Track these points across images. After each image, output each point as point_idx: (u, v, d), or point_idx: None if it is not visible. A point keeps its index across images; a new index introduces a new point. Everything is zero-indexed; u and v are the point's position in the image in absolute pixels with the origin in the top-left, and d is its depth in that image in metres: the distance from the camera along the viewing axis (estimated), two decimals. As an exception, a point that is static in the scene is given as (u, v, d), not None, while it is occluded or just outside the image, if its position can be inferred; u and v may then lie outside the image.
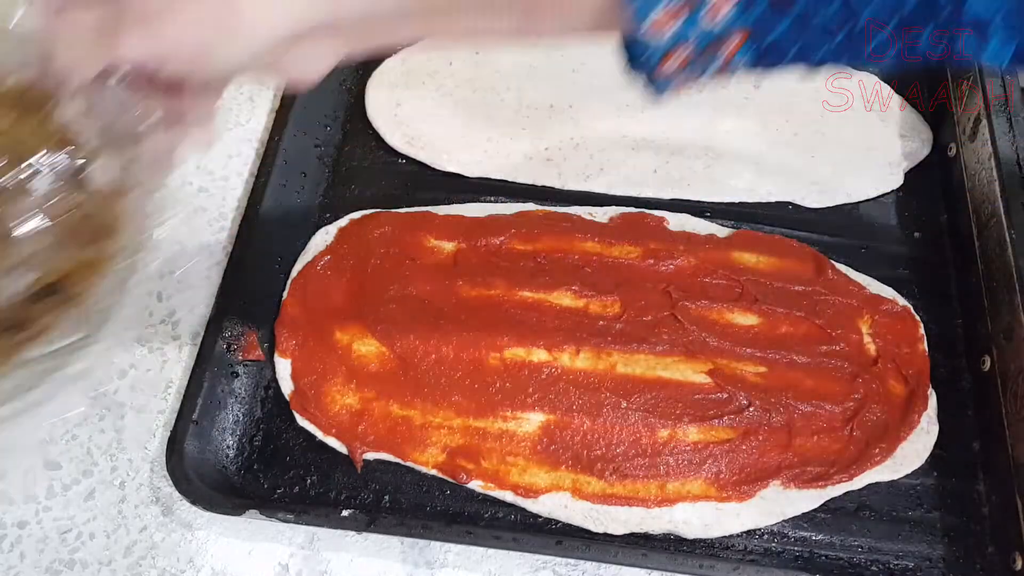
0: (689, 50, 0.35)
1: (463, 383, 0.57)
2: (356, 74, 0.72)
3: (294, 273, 0.61)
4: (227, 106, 0.71)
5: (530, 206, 0.65)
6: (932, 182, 0.67)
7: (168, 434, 0.54)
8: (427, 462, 0.55)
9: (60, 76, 0.38)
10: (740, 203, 0.65)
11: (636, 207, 0.64)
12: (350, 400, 0.57)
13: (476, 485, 0.54)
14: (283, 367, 0.58)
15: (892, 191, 0.66)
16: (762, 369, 0.57)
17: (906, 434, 0.55)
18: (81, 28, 0.37)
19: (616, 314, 0.59)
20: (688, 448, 0.54)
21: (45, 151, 0.39)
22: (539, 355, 0.58)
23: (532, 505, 0.53)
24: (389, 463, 0.55)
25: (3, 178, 0.39)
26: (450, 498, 0.54)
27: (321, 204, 0.66)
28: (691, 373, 0.57)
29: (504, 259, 0.62)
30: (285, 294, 0.61)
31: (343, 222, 0.64)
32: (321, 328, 0.59)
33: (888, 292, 0.61)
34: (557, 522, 0.53)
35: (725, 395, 0.56)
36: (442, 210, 0.65)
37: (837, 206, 0.66)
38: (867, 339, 0.59)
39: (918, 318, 0.60)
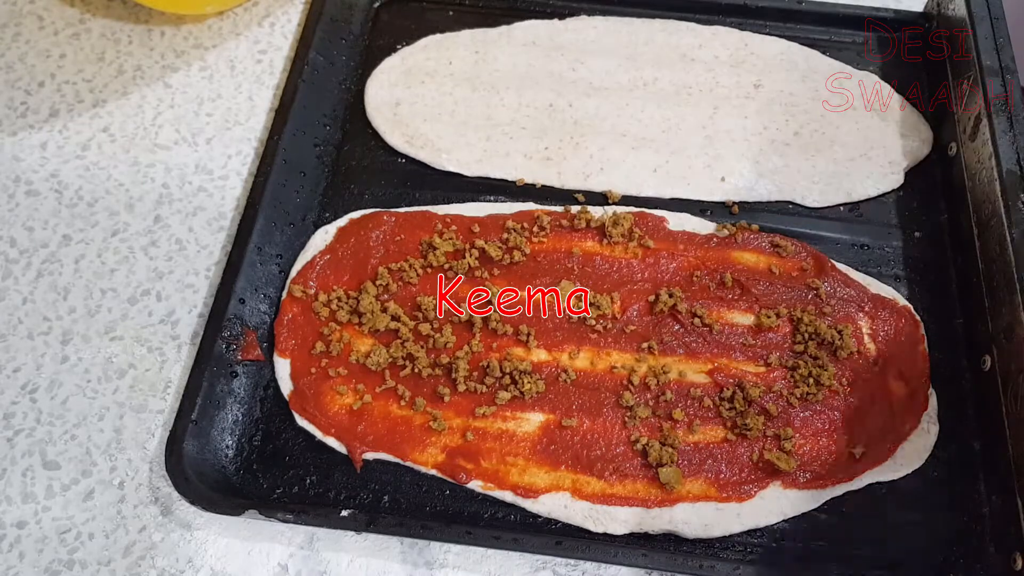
0: None
1: (463, 383, 0.56)
2: (356, 74, 0.72)
3: (293, 273, 0.61)
4: (226, 105, 0.71)
5: (530, 206, 0.65)
6: (932, 181, 0.67)
7: (167, 434, 0.54)
8: (427, 462, 0.54)
9: None
10: (740, 203, 0.65)
11: (636, 207, 0.64)
12: (349, 400, 0.57)
13: (476, 485, 0.54)
14: (282, 367, 0.58)
15: (892, 191, 0.66)
16: (762, 369, 0.57)
17: (906, 434, 0.55)
18: None
19: (616, 314, 0.59)
20: (688, 448, 0.54)
21: None
22: (539, 355, 0.58)
23: (532, 505, 0.53)
24: (389, 463, 0.55)
25: None
26: (450, 498, 0.54)
27: (321, 204, 0.66)
28: (691, 373, 0.57)
29: (503, 259, 0.61)
30: (285, 294, 0.61)
31: (343, 221, 0.64)
32: (320, 327, 0.59)
33: (888, 292, 0.61)
34: (557, 522, 0.53)
35: (725, 395, 0.56)
36: (442, 209, 0.64)
37: (837, 206, 0.66)
38: (867, 339, 0.59)
39: (918, 318, 0.59)
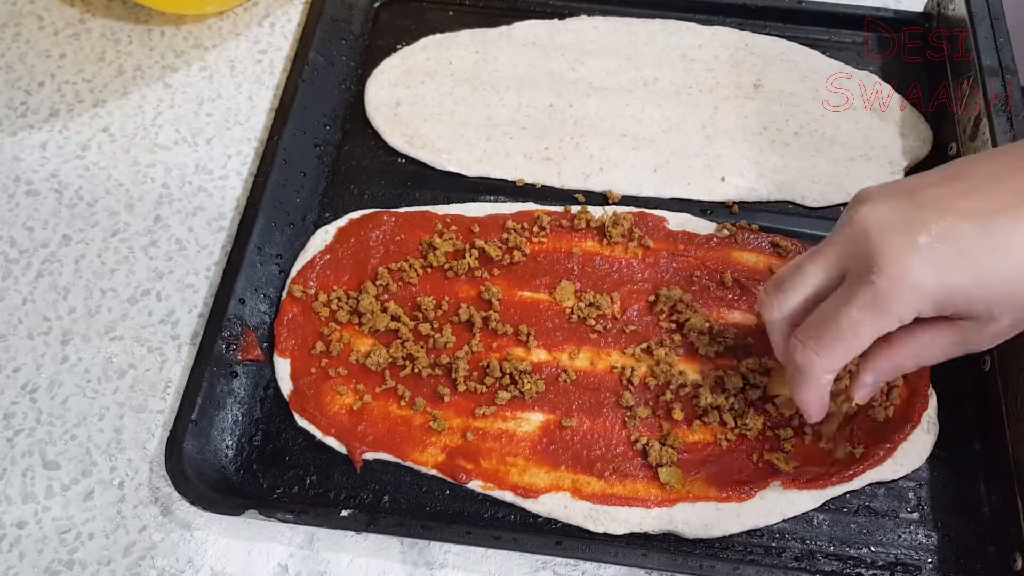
0: None
1: (463, 383, 0.56)
2: (356, 74, 0.72)
3: (293, 273, 0.61)
4: (226, 105, 0.71)
5: (530, 206, 0.65)
6: (932, 182, 0.67)
7: (167, 434, 0.54)
8: (427, 462, 0.54)
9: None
10: (740, 203, 0.65)
11: (636, 207, 0.64)
12: (349, 400, 0.57)
13: (476, 485, 0.54)
14: (282, 367, 0.58)
15: (892, 191, 0.66)
16: (762, 369, 0.57)
17: (906, 434, 0.55)
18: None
19: (616, 314, 0.59)
20: (688, 448, 0.54)
21: None
22: (539, 355, 0.58)
23: (532, 505, 0.53)
24: (389, 463, 0.55)
25: None
26: (450, 498, 0.54)
27: (321, 204, 0.66)
28: (691, 373, 0.57)
29: (503, 259, 0.61)
30: (284, 294, 0.61)
31: (342, 222, 0.64)
32: (320, 327, 0.59)
33: (888, 292, 0.61)
34: (557, 522, 0.53)
35: (725, 395, 0.56)
36: (442, 210, 0.64)
37: (837, 206, 0.66)
38: (867, 339, 0.58)
39: (918, 318, 0.59)
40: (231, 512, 0.51)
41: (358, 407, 0.56)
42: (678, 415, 0.55)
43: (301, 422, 0.56)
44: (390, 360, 0.58)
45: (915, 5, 0.75)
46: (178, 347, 0.60)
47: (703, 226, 0.63)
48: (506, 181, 0.67)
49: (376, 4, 0.76)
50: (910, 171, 0.67)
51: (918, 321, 0.44)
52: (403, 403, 0.56)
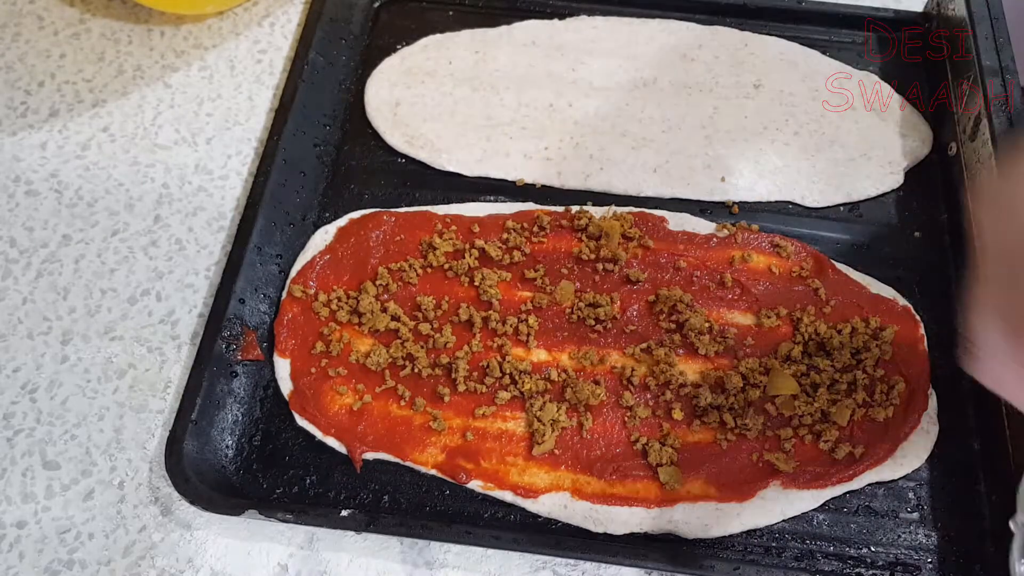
0: None
1: (463, 383, 0.56)
2: (356, 74, 0.72)
3: (293, 272, 0.61)
4: (226, 105, 0.71)
5: (530, 206, 0.65)
6: (932, 181, 0.67)
7: (167, 434, 0.54)
8: (427, 462, 0.54)
9: None
10: (740, 203, 0.65)
11: (636, 207, 0.64)
12: (349, 400, 0.57)
13: (476, 485, 0.54)
14: (282, 367, 0.58)
15: (892, 190, 0.66)
16: (762, 369, 0.57)
17: (906, 434, 0.55)
18: None
19: (616, 314, 0.59)
20: (688, 448, 0.54)
21: None
22: (539, 355, 0.58)
23: (532, 505, 0.53)
24: (388, 463, 0.55)
25: None
26: (450, 498, 0.54)
27: (321, 203, 0.66)
28: (691, 373, 0.57)
29: (503, 259, 0.61)
30: (284, 294, 0.61)
31: (342, 221, 0.64)
32: (320, 327, 0.59)
33: (888, 292, 0.61)
34: (557, 522, 0.53)
35: (725, 395, 0.56)
36: (441, 210, 0.64)
37: (837, 206, 0.66)
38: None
39: (918, 318, 0.59)
40: (231, 512, 0.51)
41: (358, 407, 0.56)
42: (678, 415, 0.55)
43: (301, 422, 0.56)
44: (390, 360, 0.58)
45: (915, 5, 0.75)
46: (178, 347, 0.60)
47: (703, 226, 0.63)
48: (506, 181, 0.67)
49: (376, 4, 0.76)
50: (910, 171, 0.67)
51: None
52: (403, 403, 0.56)
